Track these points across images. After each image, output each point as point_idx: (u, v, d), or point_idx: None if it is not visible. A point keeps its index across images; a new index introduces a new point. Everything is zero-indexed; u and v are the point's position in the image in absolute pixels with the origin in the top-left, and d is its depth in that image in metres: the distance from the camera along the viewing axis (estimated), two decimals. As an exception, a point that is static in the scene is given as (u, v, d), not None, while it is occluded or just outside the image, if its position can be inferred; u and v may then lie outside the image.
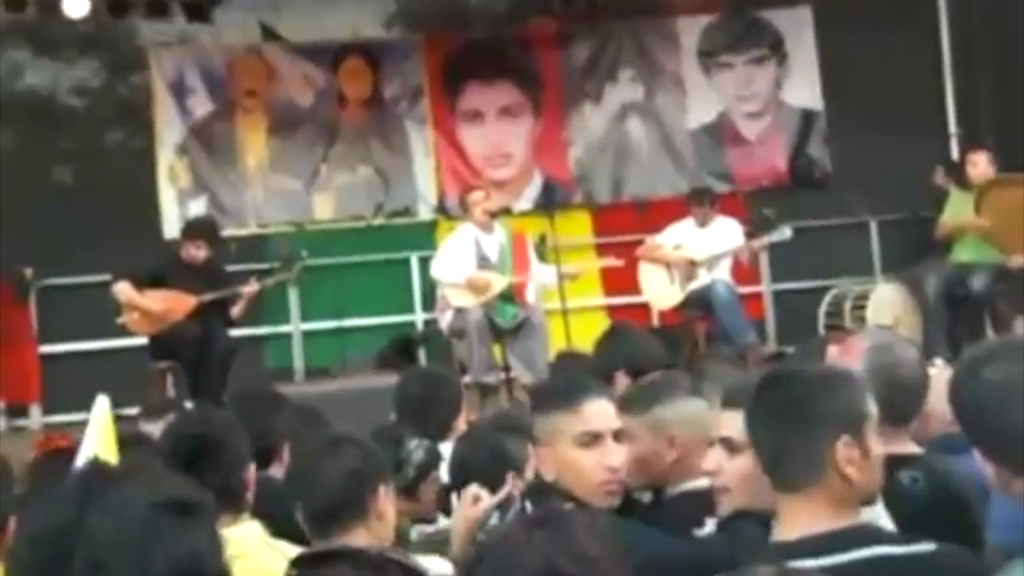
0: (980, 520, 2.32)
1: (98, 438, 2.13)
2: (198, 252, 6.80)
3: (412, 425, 3.65)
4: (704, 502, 2.39)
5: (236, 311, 6.82)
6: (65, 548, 1.91)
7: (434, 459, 3.04)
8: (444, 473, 3.12)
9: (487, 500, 2.56)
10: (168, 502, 1.63)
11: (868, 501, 2.00)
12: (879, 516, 2.09)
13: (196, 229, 7.04)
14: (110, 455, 2.16)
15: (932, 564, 1.89)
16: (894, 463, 2.49)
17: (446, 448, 3.29)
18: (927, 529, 2.08)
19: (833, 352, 2.99)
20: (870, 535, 1.92)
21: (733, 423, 2.19)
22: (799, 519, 1.93)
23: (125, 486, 1.79)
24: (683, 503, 2.57)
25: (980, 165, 7.24)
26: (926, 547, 1.91)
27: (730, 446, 2.24)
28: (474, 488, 2.60)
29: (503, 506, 2.56)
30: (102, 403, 2.22)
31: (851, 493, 1.94)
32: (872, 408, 2.00)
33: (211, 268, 6.90)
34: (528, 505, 2.45)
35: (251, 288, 6.86)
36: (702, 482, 2.42)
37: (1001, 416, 1.88)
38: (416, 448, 2.95)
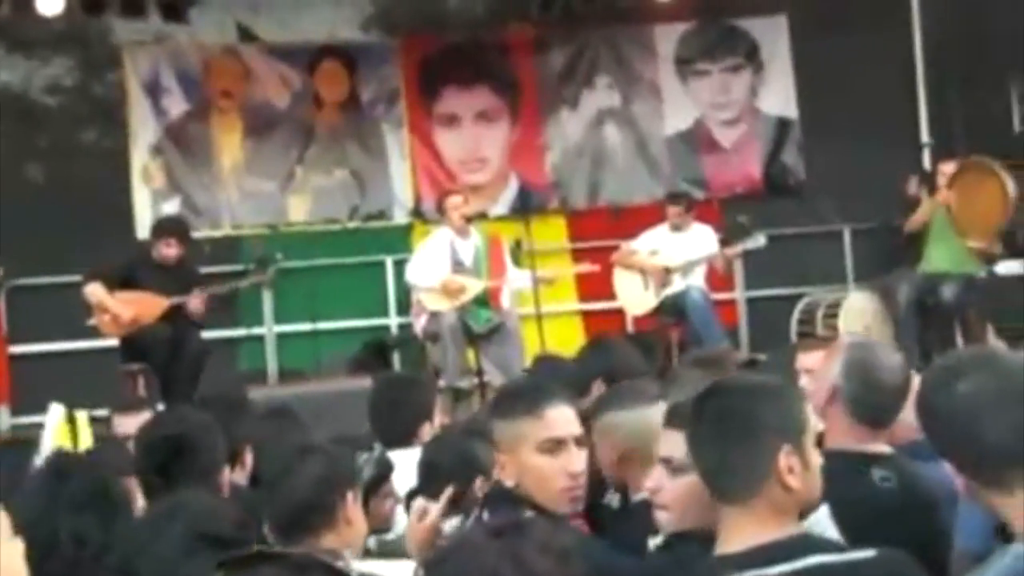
0: (947, 522, 2.34)
1: (53, 442, 2.13)
2: (169, 250, 6.76)
3: (379, 429, 3.64)
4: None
5: (192, 305, 6.69)
6: (37, 544, 1.91)
7: (385, 470, 3.01)
8: (400, 482, 3.09)
9: (434, 511, 2.52)
10: (207, 533, 1.72)
11: (808, 510, 2.00)
12: (826, 527, 2.09)
13: (167, 227, 7.00)
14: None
15: (870, 570, 1.89)
16: (866, 461, 2.50)
17: (412, 454, 3.28)
18: (896, 527, 2.09)
19: (818, 356, 3.01)
20: (811, 544, 1.92)
21: (674, 443, 2.14)
22: (743, 531, 1.93)
23: (168, 509, 1.86)
24: (648, 509, 2.56)
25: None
26: (864, 554, 1.92)
27: (671, 466, 2.18)
28: (420, 503, 2.57)
29: (465, 511, 2.54)
30: (56, 410, 2.22)
31: (792, 502, 1.94)
32: (811, 418, 2.01)
33: (183, 268, 6.87)
34: (486, 513, 2.41)
35: (214, 290, 6.82)
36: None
37: (971, 428, 1.88)
38: (365, 463, 2.92)
